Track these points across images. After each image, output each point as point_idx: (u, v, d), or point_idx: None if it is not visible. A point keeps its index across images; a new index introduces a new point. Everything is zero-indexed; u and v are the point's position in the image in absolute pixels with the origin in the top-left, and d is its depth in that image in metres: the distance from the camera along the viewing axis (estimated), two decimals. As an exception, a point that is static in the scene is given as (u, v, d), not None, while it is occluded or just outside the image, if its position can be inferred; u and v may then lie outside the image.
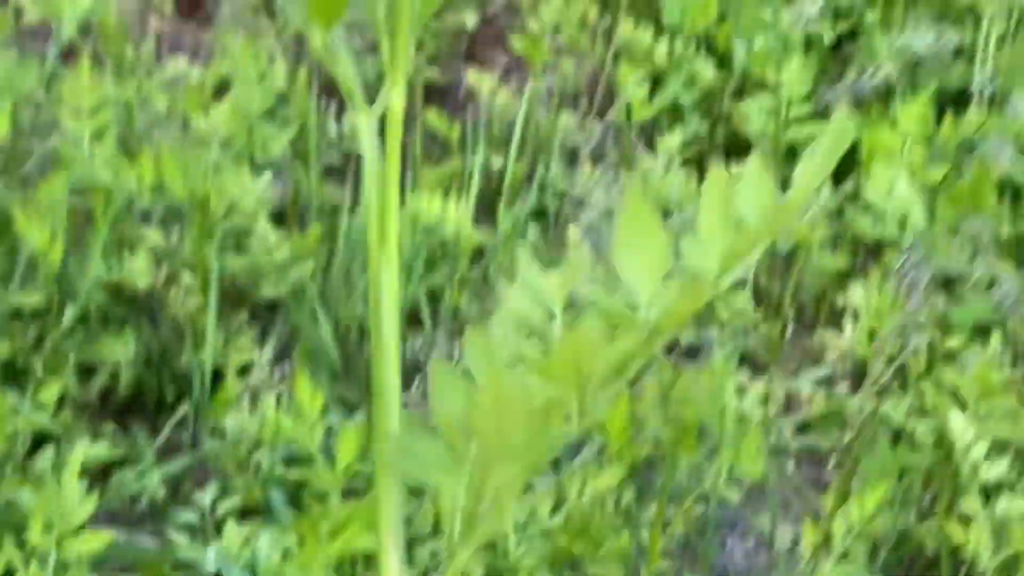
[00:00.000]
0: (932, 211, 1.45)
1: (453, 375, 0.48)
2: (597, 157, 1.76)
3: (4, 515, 1.17)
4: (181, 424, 1.36)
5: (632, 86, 1.75)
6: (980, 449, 1.20)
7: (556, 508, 1.15)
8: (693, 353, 1.54)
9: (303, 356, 1.42)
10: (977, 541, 1.15)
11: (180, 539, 1.20)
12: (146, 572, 1.19)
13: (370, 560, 1.10)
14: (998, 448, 1.31)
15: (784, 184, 0.51)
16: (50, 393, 1.28)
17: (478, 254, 1.53)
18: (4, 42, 1.68)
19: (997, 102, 1.64)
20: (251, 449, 1.26)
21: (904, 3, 1.78)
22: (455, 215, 1.44)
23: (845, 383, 1.46)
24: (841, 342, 1.45)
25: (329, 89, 1.82)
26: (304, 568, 1.04)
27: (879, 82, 1.72)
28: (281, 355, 1.45)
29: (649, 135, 1.75)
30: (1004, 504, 1.18)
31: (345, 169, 1.64)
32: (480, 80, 1.77)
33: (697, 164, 1.69)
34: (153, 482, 1.28)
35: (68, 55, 1.74)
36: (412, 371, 1.45)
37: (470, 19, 1.89)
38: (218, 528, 1.19)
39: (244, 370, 1.39)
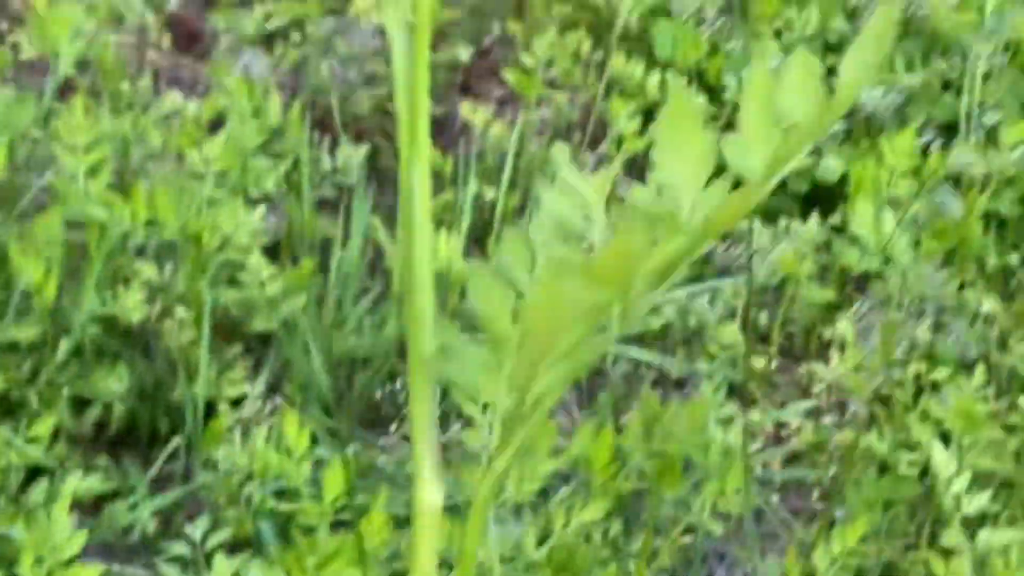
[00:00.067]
0: (918, 244, 1.46)
1: (491, 276, 0.48)
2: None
3: (-3, 548, 1.18)
4: (174, 456, 1.37)
5: (624, 119, 1.76)
6: (962, 482, 1.21)
7: (542, 541, 1.16)
8: (682, 384, 1.56)
9: (295, 389, 1.43)
10: (959, 574, 1.15)
11: (171, 572, 1.21)
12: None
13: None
14: (983, 480, 1.32)
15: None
16: (44, 427, 1.29)
17: (469, 286, 1.55)
18: (2, 78, 1.71)
19: (984, 135, 1.66)
20: (242, 482, 1.27)
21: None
22: (446, 248, 1.45)
23: (832, 415, 1.47)
24: (828, 374, 1.46)
25: (323, 123, 1.84)
26: (292, 601, 1.05)
27: (867, 115, 1.74)
28: (274, 387, 1.47)
29: (641, 167, 1.77)
30: (986, 536, 1.19)
31: (338, 202, 1.65)
32: (474, 113, 1.79)
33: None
34: (145, 514, 1.29)
35: (66, 90, 1.76)
36: (395, 411, 1.47)
37: (464, 52, 1.91)
38: (208, 561, 1.20)
39: (237, 403, 1.41)
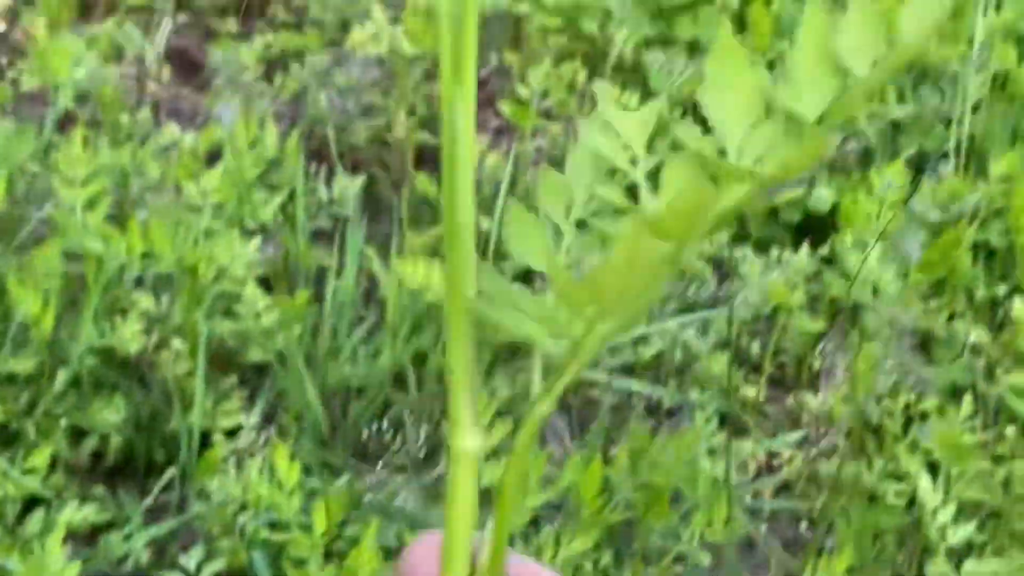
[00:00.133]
0: (907, 275, 1.48)
1: (529, 217, 0.47)
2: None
3: (-8, 579, 1.20)
4: (169, 486, 1.38)
5: (618, 149, 1.78)
6: (948, 512, 1.22)
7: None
8: (674, 414, 1.57)
9: (290, 419, 1.45)
10: (944, 604, 1.17)
11: (165, 602, 1.22)
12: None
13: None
14: (971, 510, 1.33)
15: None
16: (41, 457, 1.31)
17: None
18: (2, 110, 1.73)
19: (973, 165, 1.67)
20: (236, 513, 1.28)
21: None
22: (439, 280, 1.47)
23: (823, 444, 1.48)
24: (817, 404, 1.48)
25: (321, 153, 1.86)
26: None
27: (859, 146, 1.76)
28: (269, 418, 1.48)
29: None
30: (971, 567, 1.20)
31: (334, 232, 1.67)
32: (469, 144, 1.80)
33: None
34: (139, 545, 1.30)
35: (66, 121, 1.78)
36: (394, 433, 1.48)
37: (459, 84, 1.92)
38: (202, 591, 1.21)
39: (232, 433, 1.42)
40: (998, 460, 1.39)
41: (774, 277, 1.59)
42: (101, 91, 1.73)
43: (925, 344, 1.51)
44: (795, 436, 1.47)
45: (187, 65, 2.05)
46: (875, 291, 1.44)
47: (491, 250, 1.67)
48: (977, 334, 1.47)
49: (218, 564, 1.25)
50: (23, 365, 1.39)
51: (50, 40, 1.80)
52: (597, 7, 2.02)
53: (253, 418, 1.42)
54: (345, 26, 2.08)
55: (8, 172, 1.51)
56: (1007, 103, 1.71)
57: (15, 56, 1.97)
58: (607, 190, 0.47)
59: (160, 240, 1.39)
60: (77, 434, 1.42)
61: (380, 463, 1.28)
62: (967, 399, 1.38)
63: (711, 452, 1.33)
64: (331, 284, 1.55)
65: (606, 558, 1.26)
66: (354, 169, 1.87)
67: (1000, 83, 1.72)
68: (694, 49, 1.96)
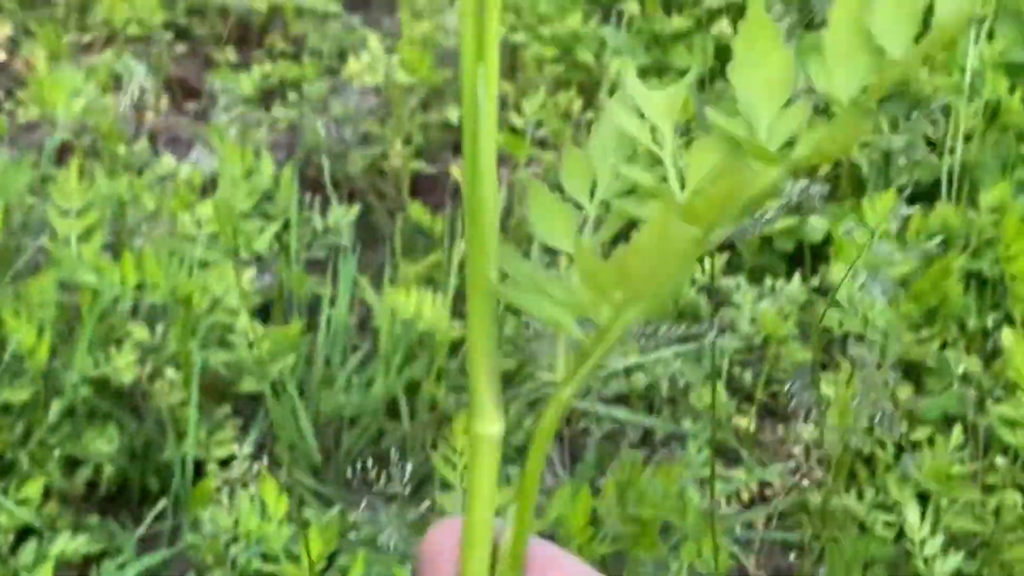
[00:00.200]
0: (897, 305, 1.48)
1: (552, 196, 0.45)
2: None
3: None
4: (162, 516, 1.39)
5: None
6: (937, 543, 1.23)
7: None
8: (668, 442, 1.57)
9: (283, 449, 1.45)
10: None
11: (156, 632, 1.23)
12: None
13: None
14: (962, 540, 1.34)
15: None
16: (34, 488, 1.31)
17: (457, 345, 1.57)
18: (1, 140, 1.74)
19: (966, 194, 1.68)
20: (228, 543, 1.29)
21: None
22: (431, 310, 1.47)
23: (815, 474, 1.49)
24: (811, 433, 1.48)
25: (317, 182, 1.87)
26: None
27: (853, 174, 1.76)
28: (263, 447, 1.49)
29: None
30: (959, 598, 1.20)
31: (329, 261, 1.68)
32: (463, 173, 1.81)
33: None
34: (132, 575, 1.31)
35: (65, 151, 1.80)
36: (385, 462, 1.48)
37: (454, 113, 1.93)
38: (193, 622, 1.22)
39: (226, 462, 1.43)
40: (989, 490, 1.39)
41: (766, 306, 1.60)
42: (99, 121, 1.74)
43: (917, 373, 1.51)
44: (786, 466, 1.48)
45: (186, 94, 2.07)
46: (865, 322, 1.44)
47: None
48: (968, 363, 1.47)
49: (209, 594, 1.26)
50: (18, 395, 1.39)
51: (49, 70, 1.81)
52: (593, 37, 2.04)
53: (246, 448, 1.43)
54: (343, 55, 2.10)
55: (5, 203, 1.52)
56: (999, 132, 1.72)
57: (16, 86, 1.98)
58: (633, 170, 0.45)
59: (153, 271, 1.40)
60: (71, 464, 1.43)
61: (371, 493, 1.29)
62: (957, 429, 1.39)
63: (702, 482, 1.34)
64: (325, 313, 1.56)
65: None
66: (350, 198, 1.88)
67: (992, 112, 1.73)
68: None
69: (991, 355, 1.52)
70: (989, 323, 1.53)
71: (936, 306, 1.53)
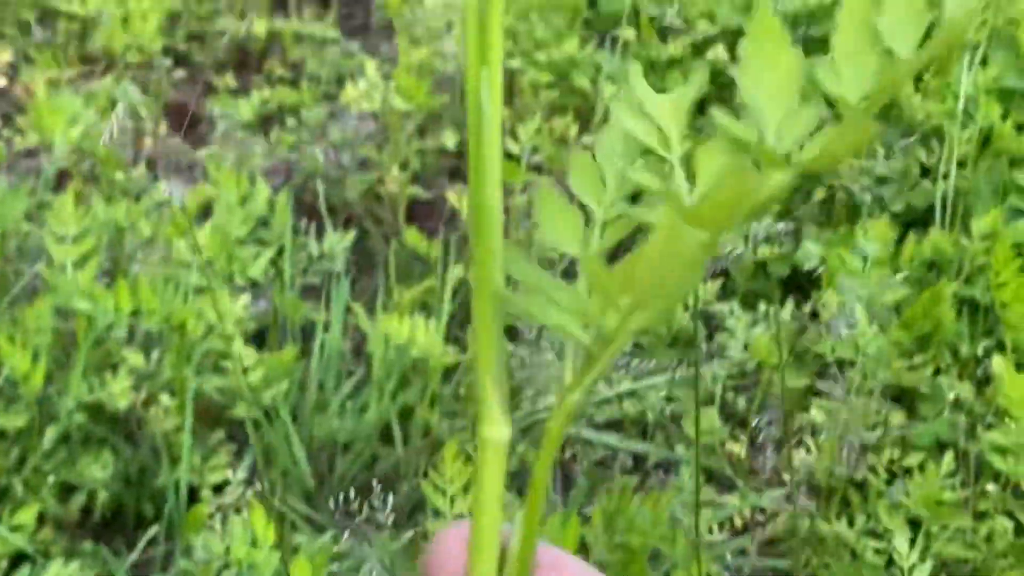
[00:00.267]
0: (888, 332, 1.49)
1: (560, 200, 0.45)
2: (574, 273, 1.80)
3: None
4: (156, 542, 1.39)
5: (608, 204, 1.79)
6: (926, 570, 1.23)
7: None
8: (662, 467, 1.58)
9: (276, 475, 1.46)
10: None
11: (147, 659, 1.23)
12: None
13: None
14: (953, 567, 1.34)
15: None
16: (28, 514, 1.32)
17: (450, 371, 1.58)
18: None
19: (959, 221, 1.68)
20: (220, 569, 1.29)
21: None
22: (425, 336, 1.48)
23: (807, 500, 1.49)
24: (804, 459, 1.48)
25: (315, 207, 1.88)
26: None
27: (847, 200, 1.77)
28: (259, 473, 1.49)
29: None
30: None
31: (325, 287, 1.69)
32: (459, 198, 1.82)
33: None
34: (124, 601, 1.31)
35: (63, 177, 1.81)
36: (388, 485, 1.49)
37: (450, 139, 1.94)
38: (184, 648, 1.22)
39: (220, 488, 1.44)
40: (980, 516, 1.39)
41: (760, 332, 1.60)
42: (97, 147, 1.75)
43: (910, 399, 1.52)
44: (780, 492, 1.48)
45: (185, 120, 2.08)
46: (856, 348, 1.44)
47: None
48: (961, 390, 1.48)
49: (201, 621, 1.26)
50: (13, 421, 1.40)
51: (48, 96, 1.83)
52: (589, 62, 2.05)
53: (240, 473, 1.43)
54: (341, 81, 2.11)
55: (2, 229, 1.53)
56: (992, 158, 1.72)
57: (16, 112, 2.00)
58: (640, 174, 0.45)
59: (148, 298, 1.41)
60: (66, 490, 1.43)
61: (359, 522, 1.29)
62: (948, 456, 1.39)
63: (696, 509, 1.34)
64: (319, 339, 1.57)
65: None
66: (347, 223, 1.89)
67: (986, 139, 1.73)
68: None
69: (983, 381, 1.52)
70: (981, 350, 1.54)
71: (929, 332, 1.54)
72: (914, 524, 1.38)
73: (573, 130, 1.95)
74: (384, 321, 1.49)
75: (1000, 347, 1.51)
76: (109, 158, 1.75)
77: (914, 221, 1.75)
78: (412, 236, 1.76)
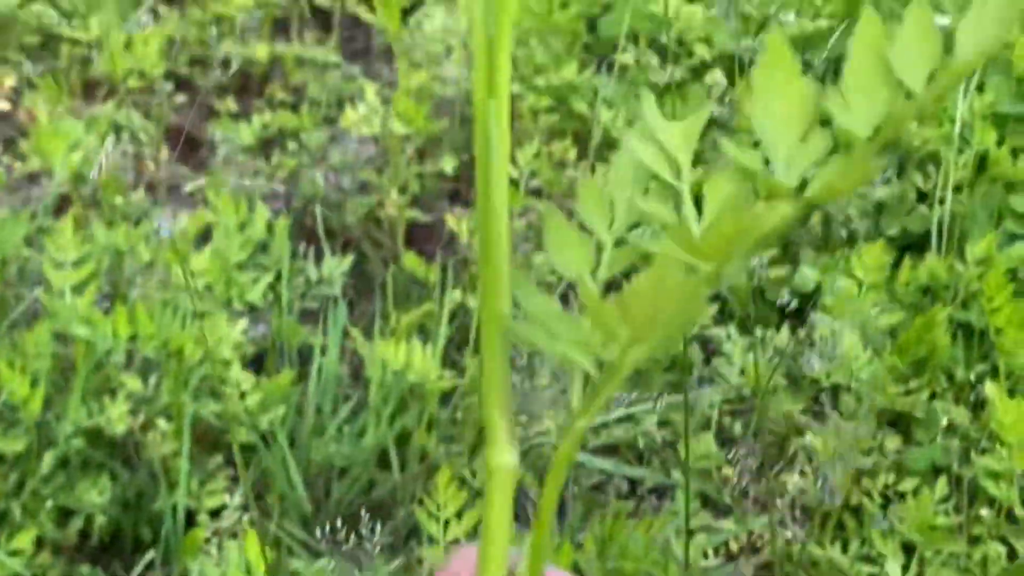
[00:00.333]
0: (883, 357, 1.49)
1: (568, 227, 0.45)
2: (575, 295, 1.81)
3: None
4: (152, 567, 1.40)
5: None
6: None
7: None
8: (657, 493, 1.58)
9: (273, 499, 1.46)
10: None
11: None
12: None
13: None
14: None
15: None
16: (26, 538, 1.33)
17: (448, 396, 1.58)
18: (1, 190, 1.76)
19: (955, 246, 1.69)
20: (216, 594, 1.30)
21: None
22: (421, 361, 1.49)
23: (799, 525, 1.49)
24: (798, 483, 1.48)
25: (315, 230, 1.89)
26: None
27: (844, 224, 1.78)
28: (256, 497, 1.50)
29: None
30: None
31: (323, 311, 1.69)
32: (458, 222, 1.83)
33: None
34: (121, 626, 1.32)
35: (64, 202, 1.82)
36: (379, 511, 1.49)
37: (449, 164, 1.95)
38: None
39: (217, 512, 1.44)
40: (974, 541, 1.40)
41: (754, 357, 1.61)
42: (97, 173, 1.76)
43: (906, 424, 1.52)
44: (775, 517, 1.48)
45: (186, 144, 2.09)
46: (850, 373, 1.45)
47: (474, 330, 1.69)
48: (956, 415, 1.48)
49: (197, 646, 1.27)
50: (12, 446, 1.41)
51: (50, 122, 1.84)
52: (588, 87, 2.06)
53: (237, 498, 1.44)
54: (341, 104, 2.12)
55: (2, 255, 1.54)
56: (988, 184, 1.73)
57: (19, 136, 2.01)
58: (649, 203, 0.45)
59: (145, 324, 1.42)
60: (64, 514, 1.44)
61: (357, 544, 1.30)
62: (941, 481, 1.40)
63: (690, 533, 1.34)
64: (316, 363, 1.58)
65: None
66: (345, 246, 1.90)
67: (981, 164, 1.74)
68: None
69: (978, 406, 1.53)
70: (976, 375, 1.54)
71: (925, 357, 1.54)
72: (908, 549, 1.39)
73: (572, 154, 1.96)
74: (381, 346, 1.50)
75: (995, 372, 1.52)
76: (109, 183, 1.76)
77: (910, 245, 1.76)
78: (411, 260, 1.77)
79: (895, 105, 0.40)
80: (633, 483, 1.57)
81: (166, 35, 2.11)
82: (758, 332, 1.66)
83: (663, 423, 1.60)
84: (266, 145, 2.09)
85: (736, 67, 1.92)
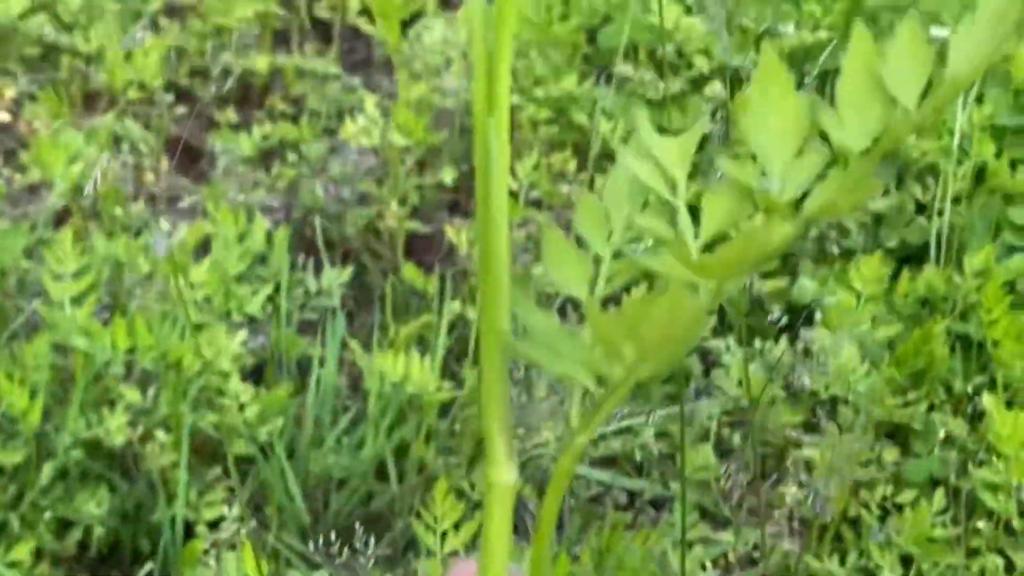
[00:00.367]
0: (881, 369, 1.49)
1: (566, 244, 0.46)
2: (573, 308, 1.81)
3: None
4: (151, 578, 1.40)
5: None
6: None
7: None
8: (655, 504, 1.58)
9: (272, 511, 1.47)
10: None
11: None
12: None
13: None
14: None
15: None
16: (24, 550, 1.33)
17: (446, 407, 1.58)
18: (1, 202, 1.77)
19: (953, 258, 1.69)
20: (213, 606, 1.30)
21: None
22: (420, 373, 1.49)
23: (800, 536, 1.49)
24: (796, 495, 1.49)
25: (313, 243, 1.89)
26: None
27: (842, 236, 1.78)
28: (255, 508, 1.50)
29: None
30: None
31: (322, 322, 1.70)
32: (458, 234, 1.83)
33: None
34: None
35: (64, 214, 1.83)
36: (377, 522, 1.50)
37: (448, 175, 1.96)
38: None
39: (215, 524, 1.44)
40: (972, 554, 1.40)
41: (754, 369, 1.61)
42: (97, 185, 1.76)
43: (904, 436, 1.52)
44: (773, 529, 1.48)
45: (186, 155, 2.10)
46: (848, 385, 1.45)
47: (473, 342, 1.70)
48: (954, 426, 1.48)
49: (195, 658, 1.27)
50: (10, 457, 1.41)
51: (51, 133, 1.84)
52: (588, 98, 2.06)
53: (235, 509, 1.44)
54: (341, 116, 2.13)
55: (1, 267, 1.54)
56: (987, 195, 1.73)
57: (19, 147, 2.01)
58: (647, 219, 0.45)
59: (144, 336, 1.42)
60: (62, 525, 1.44)
61: (353, 556, 1.30)
62: (939, 492, 1.40)
63: (688, 545, 1.34)
64: (315, 375, 1.58)
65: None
66: (345, 258, 1.90)
67: (980, 175, 1.74)
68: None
69: (976, 418, 1.53)
70: (974, 387, 1.54)
71: (923, 369, 1.54)
72: (906, 561, 1.39)
73: (572, 165, 1.96)
74: (380, 358, 1.50)
75: (993, 384, 1.52)
76: (109, 194, 1.77)
77: (909, 257, 1.76)
78: (410, 271, 1.77)
79: (889, 121, 0.40)
80: (631, 495, 1.57)
81: (166, 46, 2.11)
82: (756, 344, 1.66)
83: (661, 435, 1.60)
84: (266, 156, 2.10)
85: (727, 81, 1.92)
